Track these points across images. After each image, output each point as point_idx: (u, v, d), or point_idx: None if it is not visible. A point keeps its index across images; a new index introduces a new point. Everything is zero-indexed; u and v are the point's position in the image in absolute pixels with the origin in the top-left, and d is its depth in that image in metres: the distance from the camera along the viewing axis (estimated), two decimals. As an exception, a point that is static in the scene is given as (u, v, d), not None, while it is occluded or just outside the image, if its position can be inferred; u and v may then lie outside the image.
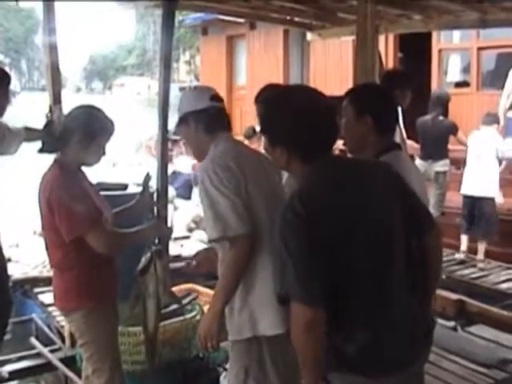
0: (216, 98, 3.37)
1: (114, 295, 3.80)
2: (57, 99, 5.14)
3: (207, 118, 3.27)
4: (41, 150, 3.70)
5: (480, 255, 8.12)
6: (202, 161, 3.28)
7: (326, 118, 2.59)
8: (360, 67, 3.89)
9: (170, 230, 3.99)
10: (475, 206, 8.24)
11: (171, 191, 11.81)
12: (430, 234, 2.73)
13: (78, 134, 3.56)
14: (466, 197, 8.36)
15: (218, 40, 17.03)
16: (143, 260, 3.79)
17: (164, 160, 5.67)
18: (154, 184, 5.37)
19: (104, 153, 3.72)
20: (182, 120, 3.33)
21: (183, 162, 13.62)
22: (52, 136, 3.67)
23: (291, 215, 2.42)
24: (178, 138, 14.91)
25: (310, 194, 2.46)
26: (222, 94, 15.01)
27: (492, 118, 8.41)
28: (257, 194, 3.10)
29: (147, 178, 4.17)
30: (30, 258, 7.54)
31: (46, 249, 3.71)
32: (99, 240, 3.49)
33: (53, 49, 5.12)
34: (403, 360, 2.58)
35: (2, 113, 4.63)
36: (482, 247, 8.16)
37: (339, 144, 6.17)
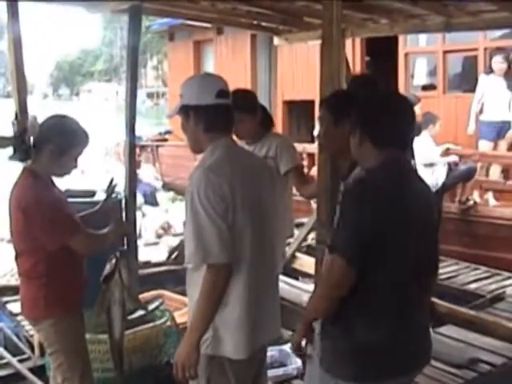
0: (223, 94, 3.05)
1: (82, 303, 3.80)
2: (23, 106, 5.09)
3: (209, 117, 3.02)
4: (12, 157, 3.68)
5: None
6: (197, 153, 3.15)
7: (408, 115, 2.81)
8: (326, 72, 3.88)
9: (131, 227, 3.96)
10: None
11: (139, 198, 11.85)
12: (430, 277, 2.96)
13: (51, 144, 3.54)
14: None
15: (185, 45, 17.01)
16: (108, 267, 3.78)
17: (132, 166, 5.66)
18: (121, 190, 5.37)
19: (76, 165, 3.70)
20: (182, 110, 3.08)
21: (147, 172, 13.66)
22: (25, 144, 3.63)
23: (360, 190, 2.72)
24: (145, 143, 14.97)
25: (377, 188, 2.68)
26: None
27: (425, 119, 8.71)
28: (244, 219, 2.96)
29: (111, 184, 4.15)
30: (-1, 266, 7.51)
31: (16, 257, 3.69)
32: (82, 243, 3.55)
33: (18, 55, 5.07)
34: (413, 363, 2.83)
35: None
36: None
37: (307, 148, 6.04)
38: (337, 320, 2.74)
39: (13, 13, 5.04)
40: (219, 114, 3.07)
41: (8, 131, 5.10)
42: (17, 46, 5.04)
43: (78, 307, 3.76)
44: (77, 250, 3.54)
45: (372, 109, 2.76)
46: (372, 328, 2.66)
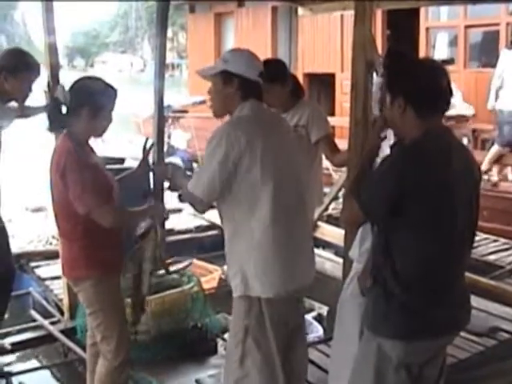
0: (262, 75, 3.40)
1: (121, 265, 3.90)
2: (55, 76, 5.20)
3: (249, 89, 3.33)
4: (49, 129, 3.79)
5: None
6: (218, 117, 3.51)
7: (446, 83, 2.82)
8: (359, 42, 3.92)
9: (166, 211, 4.08)
10: None
11: (180, 163, 12.04)
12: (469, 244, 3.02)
13: (85, 107, 3.62)
14: None
15: (206, 17, 17.03)
16: (143, 225, 3.88)
17: (160, 136, 5.78)
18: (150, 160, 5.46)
19: (111, 120, 3.79)
20: (225, 75, 3.34)
21: (179, 138, 13.72)
22: (59, 113, 3.71)
23: (400, 159, 2.77)
24: (178, 115, 14.78)
25: (418, 158, 2.73)
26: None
27: None
28: (262, 170, 3.21)
29: (147, 144, 4.17)
30: (25, 233, 7.63)
31: (56, 219, 3.81)
32: (105, 217, 3.59)
33: (50, 25, 5.16)
34: (453, 325, 2.96)
35: (24, 99, 4.78)
36: None
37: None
38: (376, 282, 2.86)
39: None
40: (256, 90, 3.39)
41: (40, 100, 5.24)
42: (49, 16, 5.13)
43: (117, 269, 3.86)
44: (98, 222, 3.59)
45: (417, 79, 2.78)
46: (409, 290, 2.76)
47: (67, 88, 3.72)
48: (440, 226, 2.74)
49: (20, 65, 4.68)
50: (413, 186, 2.68)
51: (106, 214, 3.60)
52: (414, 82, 2.77)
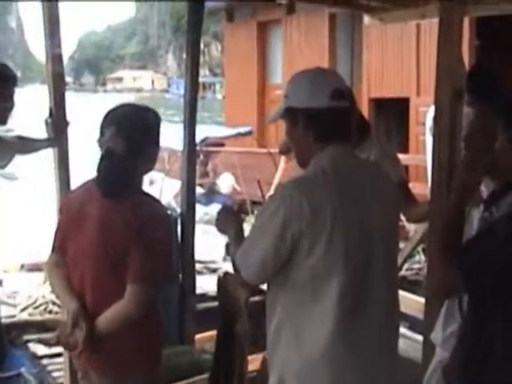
0: (338, 94, 3.02)
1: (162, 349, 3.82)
2: (59, 102, 5.15)
3: (321, 123, 3.02)
4: (115, 194, 3.57)
5: None
6: (304, 168, 3.13)
7: None
8: (444, 63, 3.79)
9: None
10: None
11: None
12: None
13: (147, 139, 3.63)
14: None
15: (247, 27, 17.15)
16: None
17: (191, 176, 5.77)
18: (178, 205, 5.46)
19: None
20: (289, 114, 3.08)
21: (225, 181, 13.69)
22: (121, 169, 3.54)
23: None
24: (212, 149, 14.66)
25: None
26: (252, 94, 15.22)
27: None
28: (332, 240, 2.90)
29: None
30: (18, 298, 7.63)
31: (95, 290, 3.65)
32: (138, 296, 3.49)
33: (55, 38, 5.14)
34: None
35: (5, 120, 4.80)
36: None
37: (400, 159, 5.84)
38: (468, 376, 2.80)
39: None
40: (335, 119, 3.05)
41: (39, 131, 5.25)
42: (53, 28, 5.12)
43: (158, 359, 3.77)
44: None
45: None
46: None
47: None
48: None
49: None
50: None
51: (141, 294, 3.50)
52: None
